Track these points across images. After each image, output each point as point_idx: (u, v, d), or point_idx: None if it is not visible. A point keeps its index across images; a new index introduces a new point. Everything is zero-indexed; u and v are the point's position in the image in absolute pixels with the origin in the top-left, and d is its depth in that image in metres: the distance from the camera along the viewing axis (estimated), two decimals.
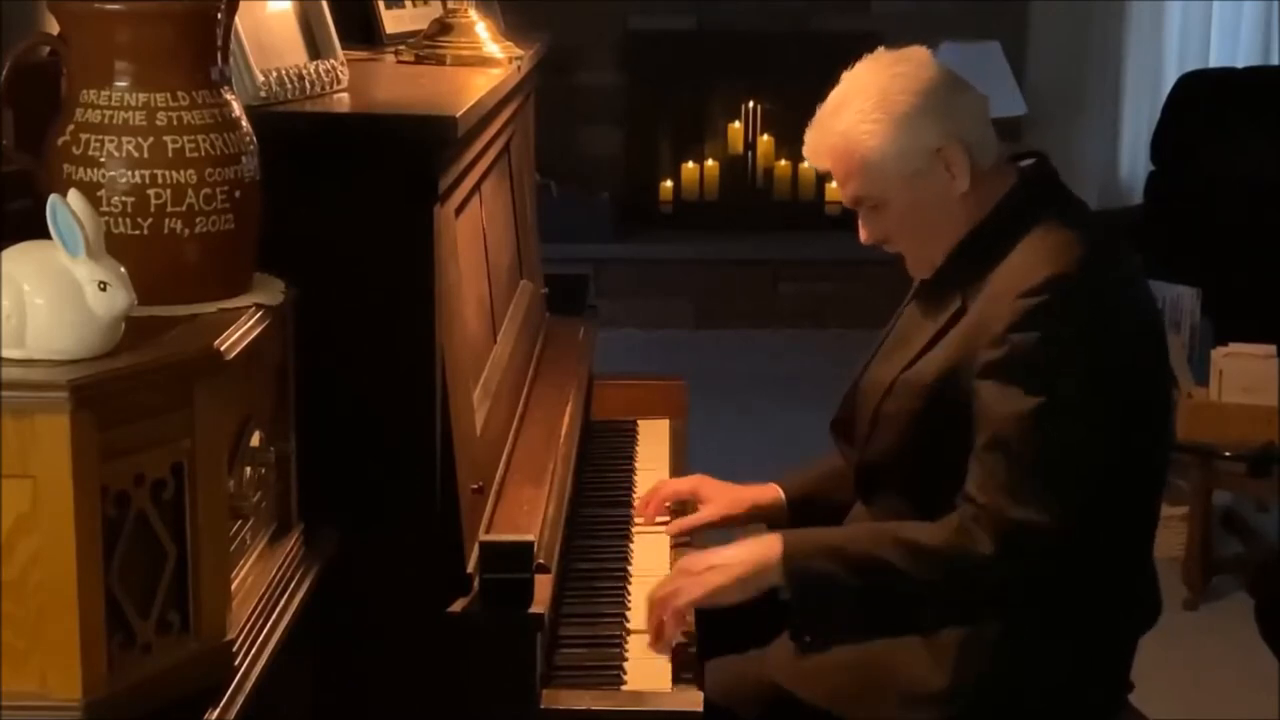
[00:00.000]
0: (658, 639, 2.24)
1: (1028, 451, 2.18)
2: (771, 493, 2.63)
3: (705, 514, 2.63)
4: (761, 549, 2.28)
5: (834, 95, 2.35)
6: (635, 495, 2.75)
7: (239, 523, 1.65)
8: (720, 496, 2.65)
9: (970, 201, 2.32)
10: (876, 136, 2.28)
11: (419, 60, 2.58)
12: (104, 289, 1.47)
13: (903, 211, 2.33)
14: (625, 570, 2.47)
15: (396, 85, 2.50)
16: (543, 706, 2.01)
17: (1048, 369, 2.19)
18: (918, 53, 2.36)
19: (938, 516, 2.24)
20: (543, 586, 2.03)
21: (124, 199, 1.61)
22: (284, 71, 2.05)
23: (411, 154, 1.97)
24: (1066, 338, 2.20)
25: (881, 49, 2.38)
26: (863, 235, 2.39)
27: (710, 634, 2.41)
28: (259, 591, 1.67)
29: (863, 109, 2.29)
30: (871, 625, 2.29)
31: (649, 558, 2.54)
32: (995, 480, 2.20)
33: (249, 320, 1.64)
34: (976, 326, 2.25)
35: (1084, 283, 2.22)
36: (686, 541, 2.60)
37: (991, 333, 2.22)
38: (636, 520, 2.66)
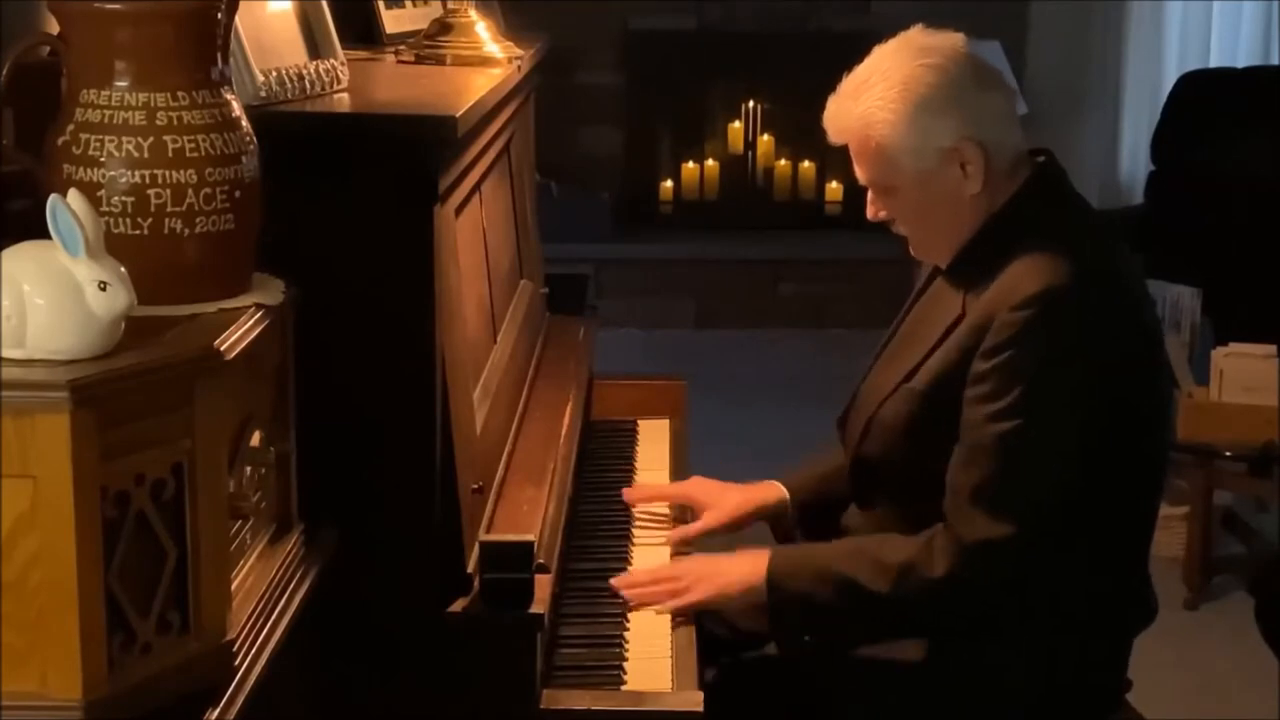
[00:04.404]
0: (641, 604, 2.33)
1: (999, 467, 2.17)
2: (775, 492, 2.60)
3: (708, 521, 2.59)
4: (750, 567, 2.31)
5: (861, 70, 2.30)
6: None
7: (239, 523, 1.65)
8: (722, 502, 2.59)
9: (982, 201, 2.29)
10: (892, 126, 2.24)
11: (419, 60, 2.58)
12: (104, 289, 1.47)
13: (911, 202, 2.31)
14: (625, 570, 2.46)
15: (396, 85, 2.50)
16: (543, 706, 2.01)
17: (1029, 386, 2.17)
18: (952, 41, 2.30)
19: (927, 523, 2.24)
20: (543, 586, 2.03)
21: (124, 199, 1.61)
22: (284, 71, 2.05)
23: (411, 154, 1.97)
24: (1051, 354, 2.18)
25: (919, 27, 2.32)
26: (869, 212, 2.36)
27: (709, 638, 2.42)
28: (259, 591, 1.66)
29: (884, 95, 2.24)
30: (849, 638, 2.33)
31: (649, 558, 2.53)
32: (963, 496, 2.20)
33: (249, 320, 1.64)
34: (972, 334, 2.24)
35: (1074, 297, 2.19)
36: (686, 552, 2.55)
37: (983, 344, 2.21)
38: (636, 514, 2.66)
